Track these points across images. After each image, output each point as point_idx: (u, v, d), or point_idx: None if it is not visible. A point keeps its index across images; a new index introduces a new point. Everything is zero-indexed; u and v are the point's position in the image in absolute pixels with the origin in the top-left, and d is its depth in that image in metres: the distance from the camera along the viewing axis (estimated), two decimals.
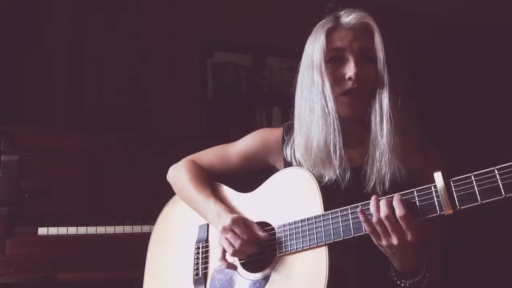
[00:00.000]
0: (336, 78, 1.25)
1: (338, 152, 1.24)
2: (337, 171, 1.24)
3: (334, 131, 1.23)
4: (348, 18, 1.26)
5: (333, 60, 1.26)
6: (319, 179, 1.26)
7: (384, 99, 1.23)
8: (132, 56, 2.75)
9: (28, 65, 2.51)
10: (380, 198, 1.09)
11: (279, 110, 3.01)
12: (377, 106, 1.24)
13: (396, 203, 1.06)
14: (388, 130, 1.21)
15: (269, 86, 3.10)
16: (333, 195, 1.24)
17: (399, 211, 1.05)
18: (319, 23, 1.31)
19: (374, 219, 1.07)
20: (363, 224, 1.09)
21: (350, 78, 1.23)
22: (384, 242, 1.07)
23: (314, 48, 1.27)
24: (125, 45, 2.74)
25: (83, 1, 2.71)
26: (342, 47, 1.25)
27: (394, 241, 1.06)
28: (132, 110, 2.65)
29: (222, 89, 3.01)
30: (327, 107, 1.23)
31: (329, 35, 1.26)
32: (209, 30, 2.93)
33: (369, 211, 1.09)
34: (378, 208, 1.07)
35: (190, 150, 1.59)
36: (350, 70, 1.23)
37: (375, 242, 1.10)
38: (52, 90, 2.59)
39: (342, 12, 1.29)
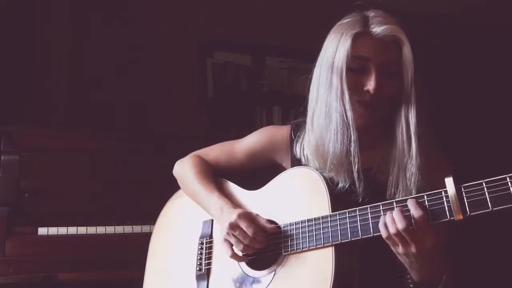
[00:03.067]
0: (354, 86, 1.22)
1: (356, 166, 1.22)
2: (356, 184, 1.22)
3: (354, 143, 1.21)
4: (379, 27, 1.19)
5: (355, 68, 1.22)
6: (330, 183, 1.25)
7: (411, 118, 1.20)
8: (132, 56, 2.75)
9: (28, 65, 2.51)
10: (390, 205, 1.09)
11: (279, 110, 3.02)
12: (404, 125, 1.21)
13: (412, 206, 1.05)
14: (416, 151, 1.19)
15: (269, 86, 3.09)
16: (348, 204, 1.22)
17: (416, 213, 1.04)
18: (346, 21, 1.25)
19: (393, 231, 1.05)
20: (383, 232, 1.07)
21: (368, 91, 1.20)
22: (401, 250, 1.07)
23: (337, 49, 1.22)
24: (125, 45, 2.74)
25: (83, 1, 2.71)
26: (367, 57, 1.20)
27: (413, 249, 1.05)
28: (132, 110, 2.65)
29: (222, 89, 3.00)
30: (346, 117, 1.21)
31: (355, 40, 1.20)
32: (209, 30, 2.93)
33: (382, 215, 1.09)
34: (393, 221, 1.06)
35: (190, 150, 1.58)
36: (370, 83, 1.19)
37: (393, 250, 1.09)
38: (52, 90, 2.59)
39: (372, 15, 1.23)
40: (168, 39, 2.85)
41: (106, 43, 2.70)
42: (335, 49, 1.23)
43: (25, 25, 2.51)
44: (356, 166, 1.21)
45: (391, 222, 1.06)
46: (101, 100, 2.62)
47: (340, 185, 1.25)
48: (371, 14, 1.24)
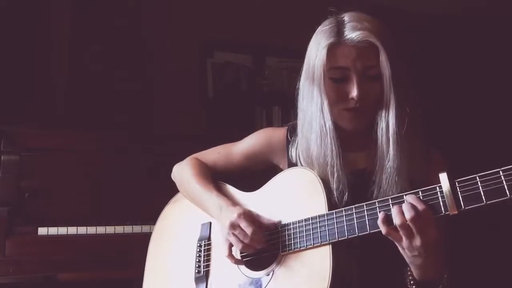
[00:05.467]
0: (339, 95, 1.22)
1: (336, 175, 1.23)
2: (334, 194, 1.23)
3: (332, 152, 1.23)
4: (352, 34, 1.18)
5: (337, 78, 1.22)
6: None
7: (390, 120, 1.20)
8: (132, 56, 2.75)
9: (28, 65, 2.51)
10: (386, 203, 1.10)
11: (279, 110, 3.02)
12: (383, 126, 1.21)
13: (414, 200, 1.06)
14: (394, 153, 1.20)
15: (269, 86, 3.10)
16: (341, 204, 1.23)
17: (420, 206, 1.05)
18: (322, 29, 1.24)
19: (398, 222, 1.05)
20: (383, 229, 1.08)
21: (353, 98, 1.20)
22: (406, 244, 1.06)
23: (316, 61, 1.21)
24: (125, 44, 2.74)
25: (84, 0, 2.71)
26: (346, 67, 1.20)
27: (418, 241, 1.04)
28: (132, 110, 2.66)
29: (222, 89, 3.01)
30: (325, 127, 1.22)
31: (331, 50, 1.19)
32: (209, 30, 2.92)
33: (389, 212, 1.08)
34: (400, 212, 1.06)
35: (190, 150, 1.59)
36: (353, 91, 1.19)
37: (398, 245, 1.08)
38: (52, 90, 2.59)
39: (346, 19, 1.21)
40: (168, 39, 2.85)
41: (105, 43, 2.70)
42: (314, 61, 1.22)
43: (25, 25, 2.51)
44: (336, 175, 1.23)
45: (397, 213, 1.05)
46: (101, 100, 2.62)
47: (332, 186, 1.26)
48: (346, 18, 1.22)
